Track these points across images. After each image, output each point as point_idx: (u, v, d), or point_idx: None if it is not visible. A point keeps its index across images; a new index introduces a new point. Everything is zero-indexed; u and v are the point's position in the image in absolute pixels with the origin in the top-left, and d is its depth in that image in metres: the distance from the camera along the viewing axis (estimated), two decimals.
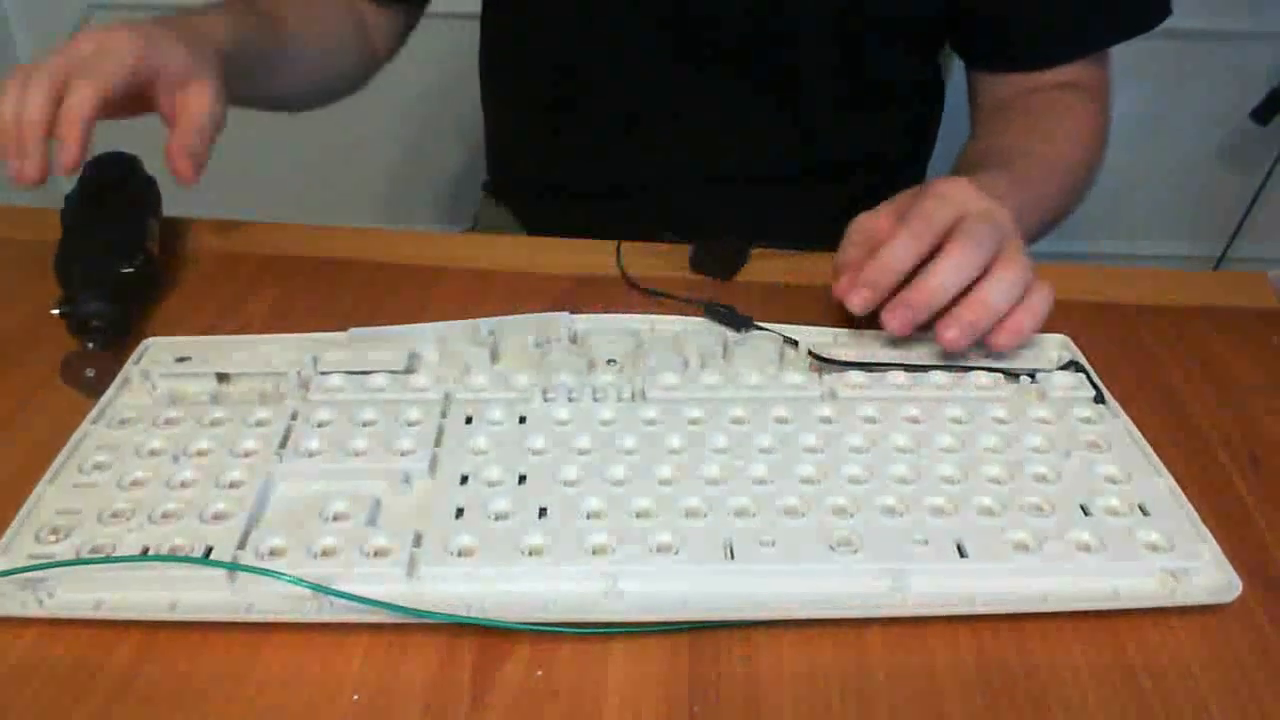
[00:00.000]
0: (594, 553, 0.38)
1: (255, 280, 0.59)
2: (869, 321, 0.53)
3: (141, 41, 0.51)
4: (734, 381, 0.47)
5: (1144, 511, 0.41)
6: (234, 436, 0.44)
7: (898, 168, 0.80)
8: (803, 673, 0.36)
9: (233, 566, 0.37)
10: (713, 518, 0.40)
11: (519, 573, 0.38)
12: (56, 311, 0.51)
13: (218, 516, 0.40)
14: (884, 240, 0.49)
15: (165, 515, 0.40)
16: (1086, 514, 0.41)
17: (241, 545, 0.38)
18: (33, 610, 0.37)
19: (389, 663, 0.36)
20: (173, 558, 0.38)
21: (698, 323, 0.53)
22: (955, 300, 0.46)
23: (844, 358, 0.49)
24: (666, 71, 0.70)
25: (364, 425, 0.45)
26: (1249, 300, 0.59)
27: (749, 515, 0.40)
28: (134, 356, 0.50)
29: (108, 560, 0.37)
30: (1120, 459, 0.44)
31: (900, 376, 0.48)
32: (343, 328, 0.51)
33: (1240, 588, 0.38)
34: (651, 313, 0.54)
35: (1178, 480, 0.43)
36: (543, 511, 0.40)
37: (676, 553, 0.38)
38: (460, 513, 0.40)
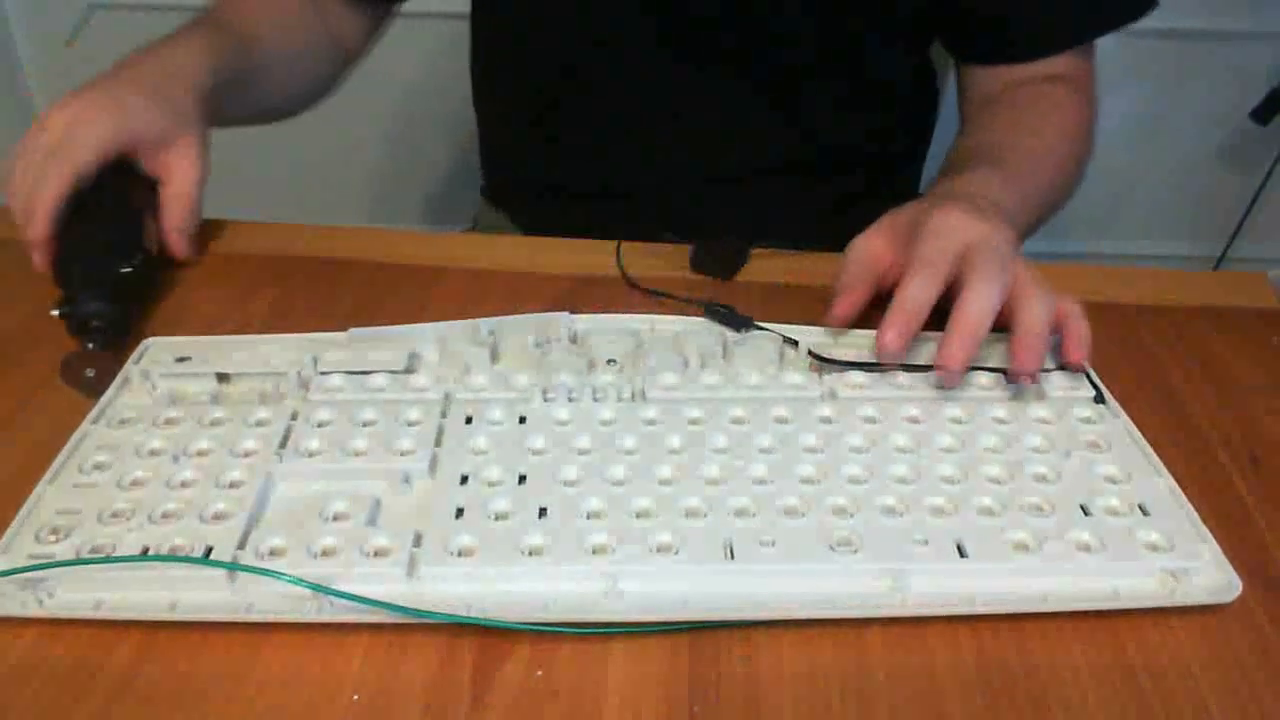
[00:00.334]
0: (594, 553, 0.38)
1: (255, 280, 0.59)
2: (869, 322, 0.53)
3: (108, 119, 0.53)
4: (734, 381, 0.47)
5: (1144, 511, 0.41)
6: (234, 436, 0.44)
7: (897, 164, 0.80)
8: (803, 673, 0.36)
9: (233, 566, 0.37)
10: (713, 518, 0.40)
11: (519, 573, 0.38)
12: (56, 313, 0.51)
13: (218, 516, 0.40)
14: (887, 262, 0.51)
15: (165, 515, 0.40)
16: (1086, 514, 0.41)
17: (241, 545, 0.38)
18: (33, 610, 0.37)
19: (389, 663, 0.36)
20: (173, 558, 0.38)
21: (698, 323, 0.53)
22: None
23: (844, 358, 0.49)
24: (666, 72, 0.70)
25: (364, 425, 0.45)
26: (1249, 300, 0.59)
27: (749, 515, 0.40)
28: (134, 356, 0.50)
29: (108, 560, 0.37)
30: (1120, 459, 0.44)
31: (900, 376, 0.48)
32: (343, 328, 0.51)
33: (1240, 588, 0.38)
34: (651, 313, 0.54)
35: (1178, 480, 0.43)
36: (543, 511, 0.40)
37: (676, 553, 0.38)
38: (460, 513, 0.40)
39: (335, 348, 0.50)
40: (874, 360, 0.49)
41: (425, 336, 0.51)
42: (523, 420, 0.45)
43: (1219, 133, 1.33)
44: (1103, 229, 1.43)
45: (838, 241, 0.62)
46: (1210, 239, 1.41)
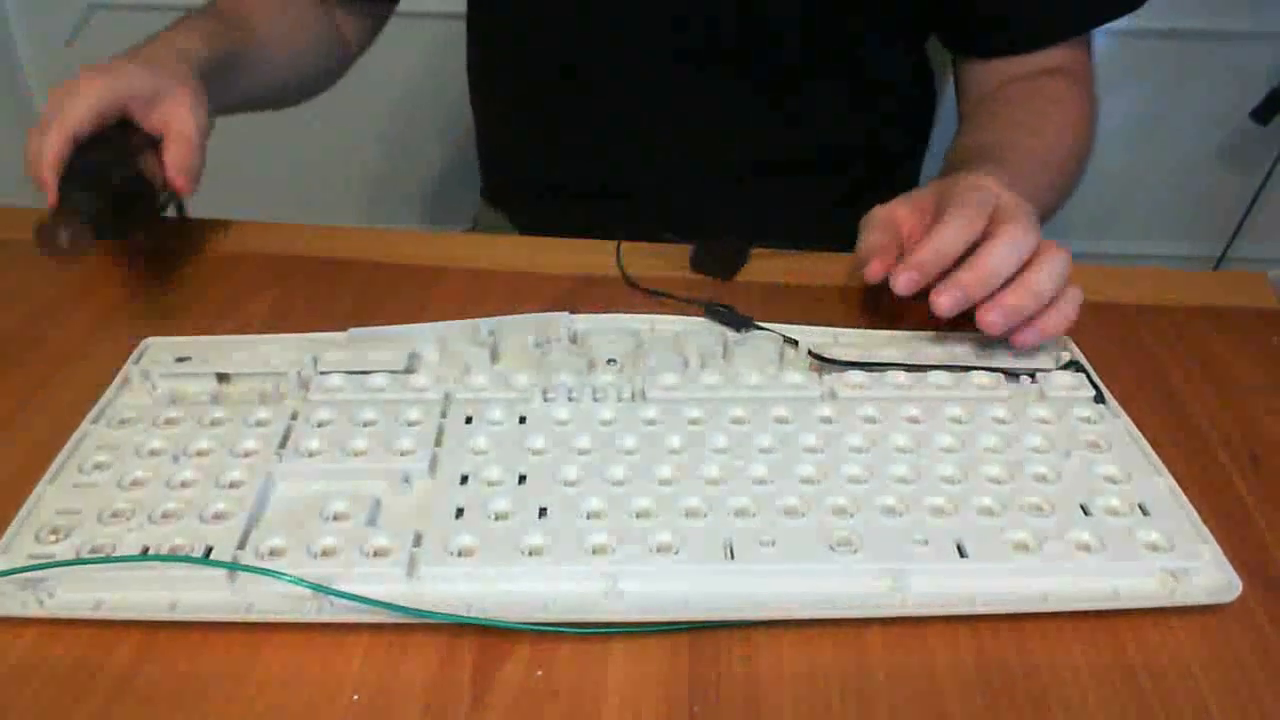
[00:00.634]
0: (594, 553, 0.38)
1: (255, 280, 0.59)
2: (869, 321, 0.53)
3: (100, 80, 0.54)
4: (734, 381, 0.47)
5: (1144, 511, 0.41)
6: (234, 436, 0.44)
7: (896, 163, 0.80)
8: (803, 673, 0.36)
9: (233, 566, 0.37)
10: (713, 518, 0.40)
11: (519, 573, 0.38)
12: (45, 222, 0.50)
13: (218, 516, 0.40)
14: (908, 229, 0.50)
15: (165, 515, 0.40)
16: (1086, 514, 0.41)
17: (241, 545, 0.38)
18: (33, 610, 0.37)
19: (389, 663, 0.36)
20: (173, 558, 0.38)
21: (698, 323, 0.53)
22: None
23: (844, 358, 0.49)
24: (666, 71, 0.70)
25: (364, 425, 0.45)
26: (1249, 300, 0.59)
27: (749, 515, 0.40)
28: (134, 356, 0.50)
29: (108, 560, 0.37)
30: (1120, 459, 0.44)
31: (900, 376, 0.48)
32: (343, 328, 0.51)
33: (1240, 588, 0.38)
34: (651, 313, 0.54)
35: (1178, 480, 0.43)
36: (543, 511, 0.40)
37: (676, 553, 0.38)
38: (460, 513, 0.40)
39: (335, 348, 0.50)
40: (874, 360, 0.49)
41: (425, 336, 0.51)
42: (523, 420, 0.45)
43: (1219, 133, 1.33)
44: (1103, 229, 1.43)
45: (837, 241, 0.62)
46: (1210, 239, 1.41)
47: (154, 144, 0.58)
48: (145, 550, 0.38)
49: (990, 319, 0.46)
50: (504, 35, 0.77)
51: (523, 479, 0.42)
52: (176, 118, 0.56)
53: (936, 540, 0.39)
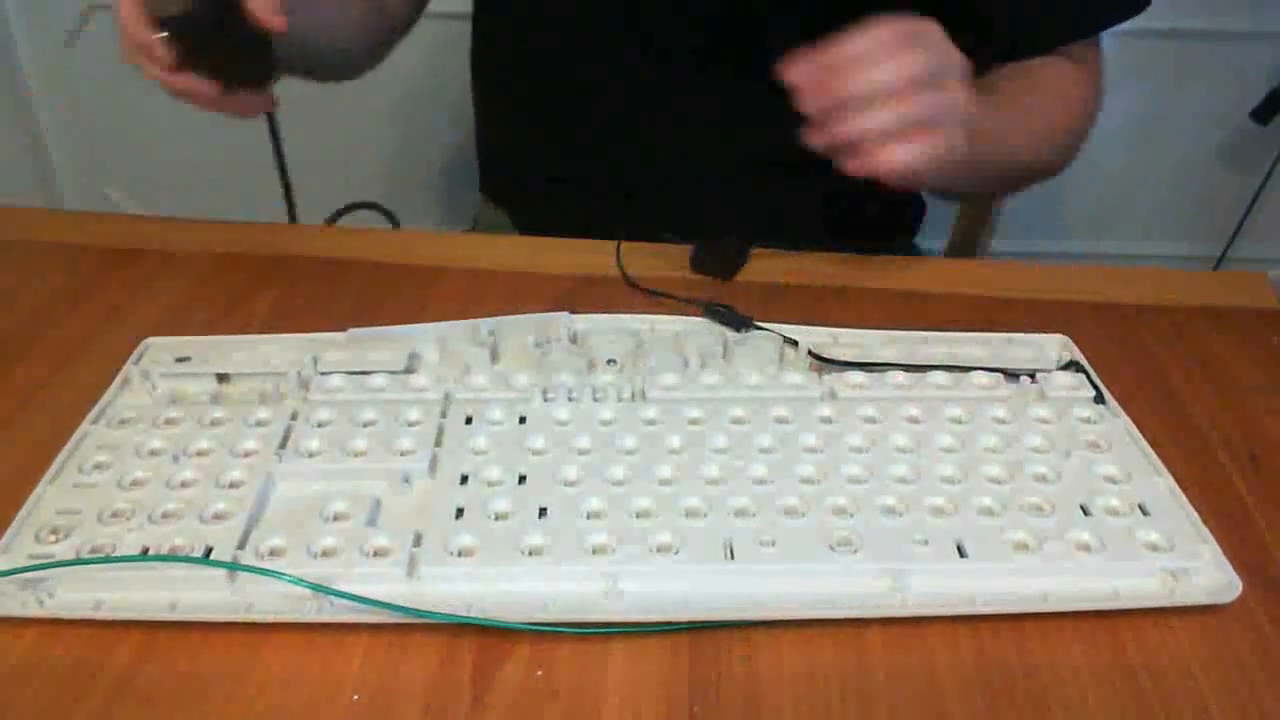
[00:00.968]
0: (594, 553, 0.38)
1: (255, 280, 0.59)
2: (869, 321, 0.53)
3: None
4: (734, 381, 0.47)
5: (1144, 511, 0.41)
6: (234, 436, 0.44)
7: None
8: (803, 673, 0.36)
9: (233, 566, 0.37)
10: (713, 518, 0.40)
11: (519, 573, 0.38)
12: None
13: (218, 516, 0.40)
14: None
15: (165, 515, 0.40)
16: (1086, 514, 0.41)
17: (241, 545, 0.38)
18: (33, 610, 0.37)
19: (389, 663, 0.36)
20: (173, 558, 0.38)
21: (698, 323, 0.53)
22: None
23: (844, 358, 0.49)
24: (666, 71, 0.70)
25: (364, 425, 0.45)
26: (1249, 300, 0.59)
27: (749, 515, 0.40)
28: (134, 356, 0.50)
29: (108, 560, 0.37)
30: (1120, 459, 0.44)
31: (900, 376, 0.48)
32: (343, 328, 0.51)
33: (1240, 588, 0.38)
34: (651, 313, 0.54)
35: (1178, 480, 0.43)
36: (543, 511, 0.40)
37: (676, 553, 0.38)
38: (460, 513, 0.40)
39: (335, 348, 0.50)
40: (874, 360, 0.49)
41: (425, 336, 0.51)
42: (523, 420, 0.45)
43: (1219, 133, 1.33)
44: (1103, 229, 1.43)
45: (837, 241, 0.62)
46: (1210, 239, 1.41)
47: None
48: (145, 550, 0.38)
49: (795, 71, 0.47)
50: (505, 34, 0.77)
51: (523, 479, 0.42)
52: None
53: (936, 540, 0.39)
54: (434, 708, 0.35)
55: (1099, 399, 0.47)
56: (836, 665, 0.37)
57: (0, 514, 0.40)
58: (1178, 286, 0.60)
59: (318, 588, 0.37)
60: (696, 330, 0.52)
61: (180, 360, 0.49)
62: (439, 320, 0.52)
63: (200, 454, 0.43)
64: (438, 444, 0.44)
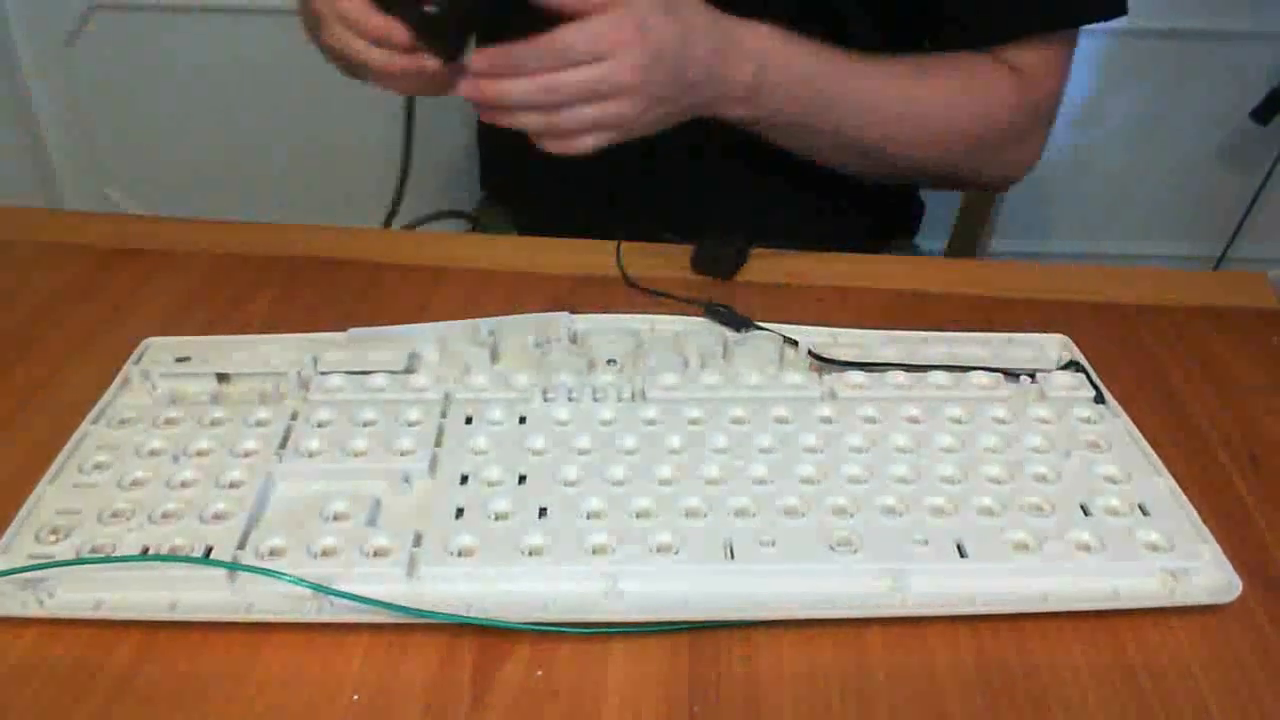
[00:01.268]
0: (594, 553, 0.38)
1: (255, 280, 0.59)
2: (869, 321, 0.53)
3: None
4: (734, 381, 0.47)
5: (1144, 511, 0.41)
6: (234, 436, 0.44)
7: None
8: (803, 673, 0.36)
9: (233, 566, 0.37)
10: (713, 518, 0.40)
11: (519, 573, 0.38)
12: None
13: (218, 516, 0.40)
14: None
15: (165, 515, 0.40)
16: (1086, 514, 0.41)
17: (241, 545, 0.38)
18: (33, 610, 0.37)
19: (389, 663, 0.36)
20: (173, 558, 0.38)
21: (698, 323, 0.53)
22: None
23: (844, 358, 0.49)
24: None
25: (364, 425, 0.45)
26: (1249, 300, 0.59)
27: (749, 515, 0.40)
28: (134, 356, 0.50)
29: (108, 560, 0.37)
30: (1120, 459, 0.44)
31: (900, 376, 0.48)
32: (343, 328, 0.51)
33: (1240, 588, 0.38)
34: (651, 313, 0.54)
35: (1178, 480, 0.43)
36: (543, 511, 0.40)
37: (676, 553, 0.38)
38: (460, 513, 0.40)
39: (335, 348, 0.50)
40: (874, 360, 0.49)
41: (425, 336, 0.51)
42: (523, 420, 0.45)
43: (1219, 133, 1.33)
44: (1103, 229, 1.43)
45: (838, 241, 0.62)
46: (1210, 239, 1.41)
47: None
48: (145, 550, 0.38)
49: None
50: None
51: (523, 479, 0.42)
52: None
53: (936, 540, 0.39)
54: (434, 708, 0.35)
55: (1099, 399, 0.47)
56: (836, 665, 0.37)
57: (0, 514, 0.40)
58: (1178, 286, 0.60)
59: (318, 588, 0.37)
60: (696, 330, 0.52)
61: (180, 360, 0.49)
62: (439, 320, 0.52)
63: (200, 454, 0.43)
64: (438, 444, 0.44)
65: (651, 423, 0.45)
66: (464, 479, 0.42)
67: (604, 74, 0.50)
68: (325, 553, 0.38)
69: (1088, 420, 0.46)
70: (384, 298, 0.58)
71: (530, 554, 0.38)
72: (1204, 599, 0.38)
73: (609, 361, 0.49)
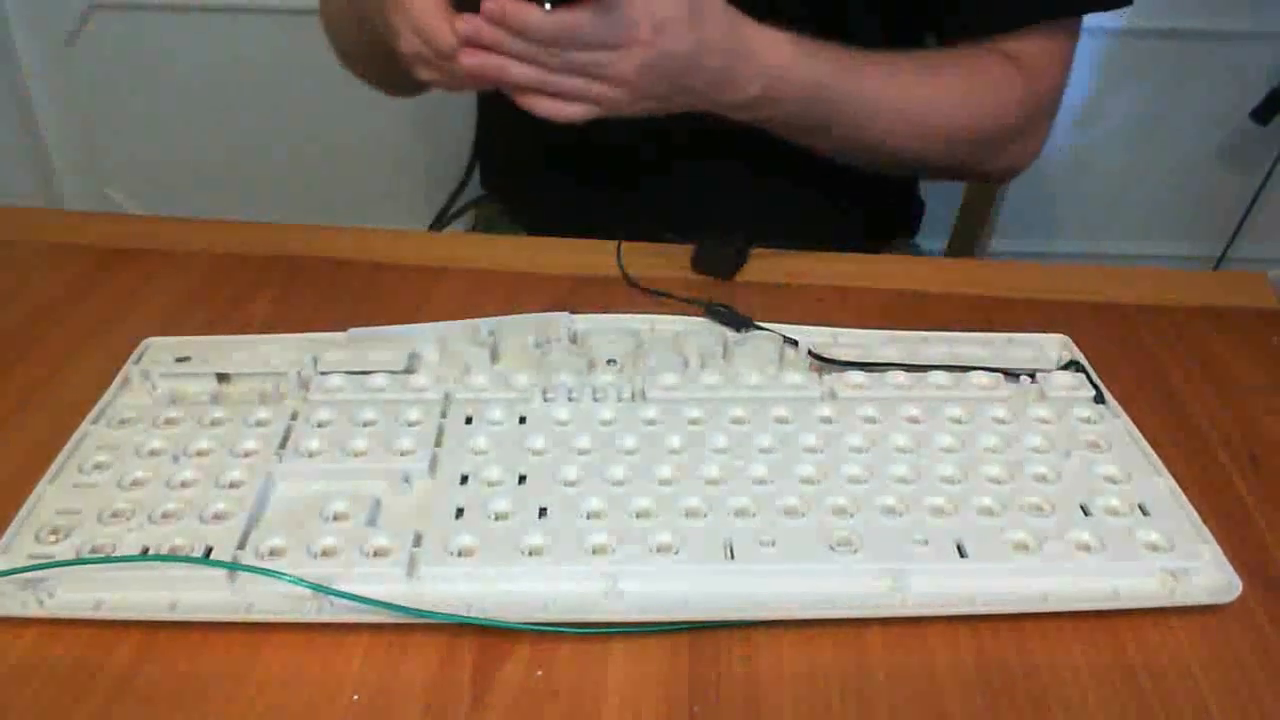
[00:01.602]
0: (594, 553, 0.38)
1: (255, 280, 0.59)
2: (869, 321, 0.53)
3: None
4: (734, 381, 0.47)
5: (1144, 511, 0.41)
6: (234, 436, 0.44)
7: None
8: (803, 673, 0.36)
9: (233, 566, 0.37)
10: (713, 518, 0.40)
11: (519, 573, 0.38)
12: None
13: (218, 516, 0.40)
14: None
15: (165, 515, 0.40)
16: (1086, 514, 0.41)
17: (241, 545, 0.38)
18: (33, 610, 0.37)
19: (389, 663, 0.36)
20: (173, 558, 0.38)
21: (698, 323, 0.53)
22: None
23: (844, 358, 0.49)
24: None
25: (364, 425, 0.45)
26: (1249, 300, 0.59)
27: (749, 515, 0.40)
28: (134, 356, 0.50)
29: (108, 560, 0.37)
30: (1120, 459, 0.44)
31: (900, 376, 0.48)
32: (343, 328, 0.51)
33: (1240, 588, 0.38)
34: (651, 313, 0.54)
35: (1178, 480, 0.43)
36: (543, 511, 0.40)
37: (676, 553, 0.38)
38: (460, 513, 0.40)
39: (335, 348, 0.50)
40: (874, 360, 0.49)
41: (425, 336, 0.51)
42: (523, 420, 0.45)
43: (1219, 133, 1.33)
44: (1103, 229, 1.43)
45: (837, 241, 0.62)
46: (1210, 239, 1.41)
47: None
48: (145, 550, 0.38)
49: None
50: None
51: (523, 479, 0.42)
52: None
53: (936, 540, 0.39)
54: (434, 708, 0.35)
55: (1099, 399, 0.47)
56: (836, 665, 0.37)
57: (0, 514, 0.40)
58: (1178, 286, 0.60)
59: (318, 588, 0.37)
60: (696, 330, 0.52)
61: (180, 360, 0.49)
62: (439, 320, 0.52)
63: (200, 454, 0.43)
64: (438, 444, 0.44)
65: (651, 423, 0.45)
66: (464, 479, 0.42)
67: (607, 62, 0.50)
68: (325, 553, 0.38)
69: (1088, 420, 0.46)
70: (384, 298, 0.58)
71: (530, 554, 0.38)
72: (1204, 599, 0.38)
73: (609, 361, 0.49)
